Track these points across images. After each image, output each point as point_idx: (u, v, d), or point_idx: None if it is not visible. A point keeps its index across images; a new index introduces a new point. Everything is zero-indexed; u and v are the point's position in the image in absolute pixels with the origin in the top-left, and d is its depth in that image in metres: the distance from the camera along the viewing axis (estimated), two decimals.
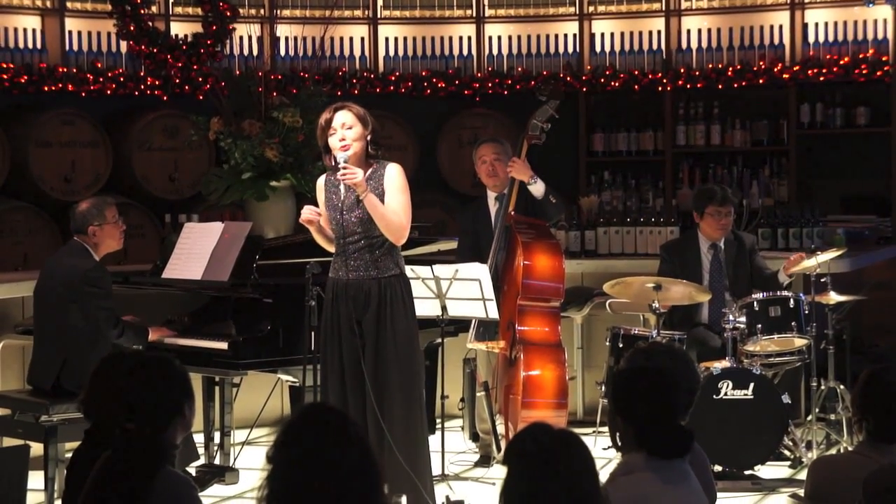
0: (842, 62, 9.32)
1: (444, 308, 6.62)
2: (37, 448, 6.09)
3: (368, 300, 5.73)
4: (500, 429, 7.01)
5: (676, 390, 3.77)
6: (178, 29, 9.23)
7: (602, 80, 9.73)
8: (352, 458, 3.01)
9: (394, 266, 5.81)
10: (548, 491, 3.06)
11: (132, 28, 8.94)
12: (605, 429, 7.47)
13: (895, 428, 4.14)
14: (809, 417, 7.23)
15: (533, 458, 3.09)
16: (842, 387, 7.31)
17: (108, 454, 3.77)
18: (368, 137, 5.80)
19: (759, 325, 7.00)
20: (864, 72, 9.28)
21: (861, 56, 9.31)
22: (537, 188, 7.09)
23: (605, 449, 7.22)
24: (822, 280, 7.22)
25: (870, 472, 3.69)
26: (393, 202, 5.75)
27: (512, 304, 6.85)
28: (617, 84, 9.72)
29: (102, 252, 6.57)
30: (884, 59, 9.25)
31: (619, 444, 3.81)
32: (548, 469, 3.07)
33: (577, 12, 9.86)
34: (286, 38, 9.51)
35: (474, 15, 9.93)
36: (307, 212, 5.81)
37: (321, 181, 5.96)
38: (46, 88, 8.67)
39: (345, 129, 5.77)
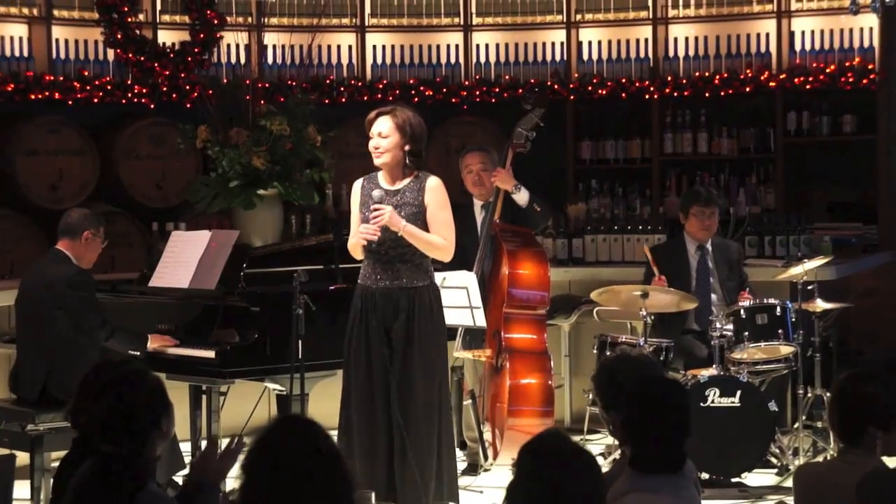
0: (828, 70, 9.32)
1: None
2: (23, 457, 6.07)
3: (398, 310, 5.72)
4: (488, 437, 7.01)
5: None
6: (166, 37, 9.22)
7: (589, 88, 9.73)
8: (323, 471, 3.03)
9: (424, 276, 5.80)
10: (557, 493, 3.15)
11: (119, 36, 8.92)
12: (593, 436, 7.51)
13: (856, 432, 4.15)
14: (796, 425, 7.24)
15: (547, 462, 3.18)
16: (828, 394, 7.32)
17: (86, 468, 3.74)
18: (407, 147, 5.71)
19: (747, 333, 7.02)
20: (850, 80, 9.28)
21: (847, 64, 9.31)
22: (521, 197, 7.09)
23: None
24: (809, 288, 7.24)
25: (862, 476, 3.72)
26: (437, 222, 5.74)
27: (498, 312, 6.85)
28: (604, 92, 9.71)
29: (82, 264, 6.53)
30: (870, 67, 9.25)
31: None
32: (560, 473, 3.16)
33: (565, 20, 9.85)
34: (273, 47, 9.49)
35: (462, 23, 9.92)
36: (369, 232, 5.69)
37: (357, 185, 5.89)
38: (33, 97, 8.64)
39: (380, 138, 5.70)
